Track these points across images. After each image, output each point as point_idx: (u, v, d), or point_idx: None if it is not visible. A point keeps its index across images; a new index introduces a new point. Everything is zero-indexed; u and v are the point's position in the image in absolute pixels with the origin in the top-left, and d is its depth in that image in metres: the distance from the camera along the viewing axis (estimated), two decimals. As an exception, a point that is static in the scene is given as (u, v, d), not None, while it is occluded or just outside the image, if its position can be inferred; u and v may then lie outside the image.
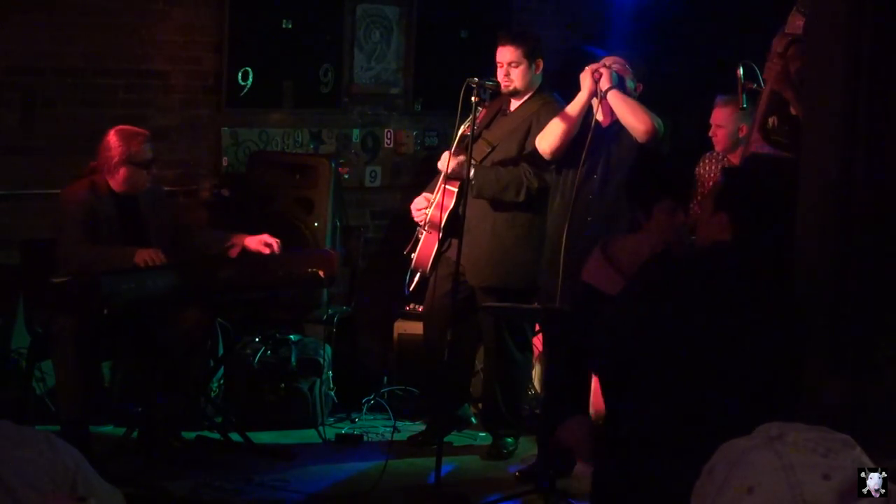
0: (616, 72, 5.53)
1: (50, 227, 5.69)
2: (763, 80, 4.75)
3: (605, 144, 5.50)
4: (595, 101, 5.51)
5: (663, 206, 4.12)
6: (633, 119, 5.42)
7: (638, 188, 4.84)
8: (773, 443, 1.57)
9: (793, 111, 4.54)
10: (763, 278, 3.52)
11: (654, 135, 5.41)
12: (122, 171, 5.47)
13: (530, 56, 5.76)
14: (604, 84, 5.49)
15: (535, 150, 5.65)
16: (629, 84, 5.56)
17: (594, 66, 5.55)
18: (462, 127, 5.71)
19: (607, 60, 5.60)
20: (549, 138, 5.54)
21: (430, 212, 5.83)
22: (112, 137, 5.48)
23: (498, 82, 5.73)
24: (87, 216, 5.44)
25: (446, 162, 5.73)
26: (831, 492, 1.52)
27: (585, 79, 5.52)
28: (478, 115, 5.53)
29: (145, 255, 5.29)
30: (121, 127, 5.57)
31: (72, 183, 5.57)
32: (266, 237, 5.60)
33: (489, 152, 5.82)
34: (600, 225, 5.36)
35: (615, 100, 5.47)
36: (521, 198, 5.73)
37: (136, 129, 5.59)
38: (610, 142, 5.51)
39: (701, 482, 1.62)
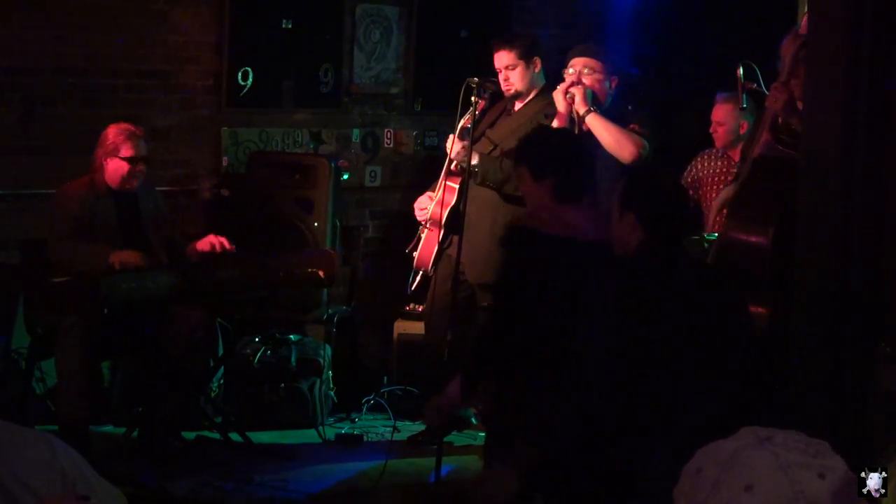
0: (589, 87, 5.44)
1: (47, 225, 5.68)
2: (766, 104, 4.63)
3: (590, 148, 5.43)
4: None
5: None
6: (616, 147, 5.34)
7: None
8: (764, 443, 1.57)
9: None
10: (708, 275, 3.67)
11: (637, 159, 5.34)
12: (107, 166, 5.51)
13: (526, 57, 5.75)
14: (579, 107, 5.39)
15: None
16: (605, 85, 5.51)
17: (565, 84, 5.44)
18: (462, 119, 5.70)
19: (576, 64, 5.51)
20: None
21: (431, 207, 5.84)
22: (104, 132, 5.54)
23: (498, 82, 5.73)
24: (80, 212, 5.46)
25: (451, 146, 5.72)
26: (827, 491, 1.53)
27: (559, 100, 5.44)
28: (476, 109, 5.52)
29: (121, 257, 5.29)
30: (117, 123, 5.59)
31: (73, 180, 5.59)
32: (211, 237, 5.59)
33: (491, 150, 5.83)
34: None
35: (596, 126, 5.37)
36: (520, 192, 5.72)
37: (130, 126, 5.59)
38: (594, 146, 5.43)
39: (687, 484, 1.62)
